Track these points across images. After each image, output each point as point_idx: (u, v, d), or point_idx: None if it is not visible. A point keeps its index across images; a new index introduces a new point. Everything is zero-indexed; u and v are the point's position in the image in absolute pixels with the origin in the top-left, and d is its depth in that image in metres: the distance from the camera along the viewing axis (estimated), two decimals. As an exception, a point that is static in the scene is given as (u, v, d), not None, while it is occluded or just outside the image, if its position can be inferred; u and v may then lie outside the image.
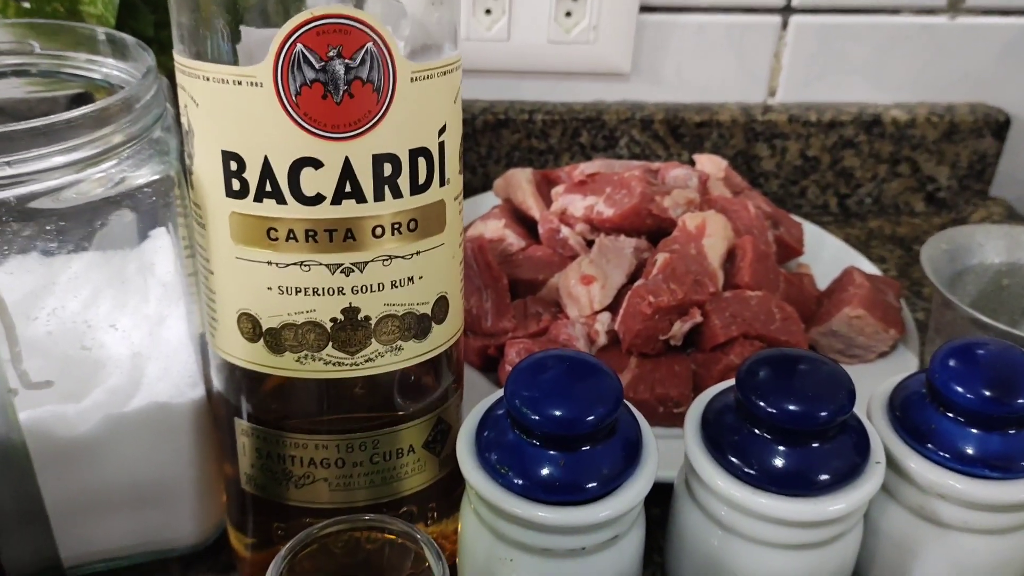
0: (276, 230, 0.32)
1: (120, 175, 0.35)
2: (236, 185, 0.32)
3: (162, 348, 0.39)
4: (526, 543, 0.34)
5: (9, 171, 0.32)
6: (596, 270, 0.53)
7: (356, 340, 0.34)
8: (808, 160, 0.77)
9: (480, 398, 0.38)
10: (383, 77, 0.31)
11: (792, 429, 0.35)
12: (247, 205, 0.32)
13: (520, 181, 0.62)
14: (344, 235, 0.32)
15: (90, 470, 0.39)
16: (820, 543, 0.36)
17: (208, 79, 0.31)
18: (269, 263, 0.33)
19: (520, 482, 0.33)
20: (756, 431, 0.35)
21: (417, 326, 0.35)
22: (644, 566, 0.38)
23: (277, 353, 0.34)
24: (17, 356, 0.36)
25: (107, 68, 0.39)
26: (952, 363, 0.36)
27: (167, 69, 0.43)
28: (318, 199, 0.32)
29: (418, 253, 0.34)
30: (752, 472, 0.35)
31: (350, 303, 0.34)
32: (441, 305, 0.36)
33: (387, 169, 0.32)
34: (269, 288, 0.33)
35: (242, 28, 0.31)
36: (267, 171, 0.31)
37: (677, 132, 0.75)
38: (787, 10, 0.73)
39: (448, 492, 0.40)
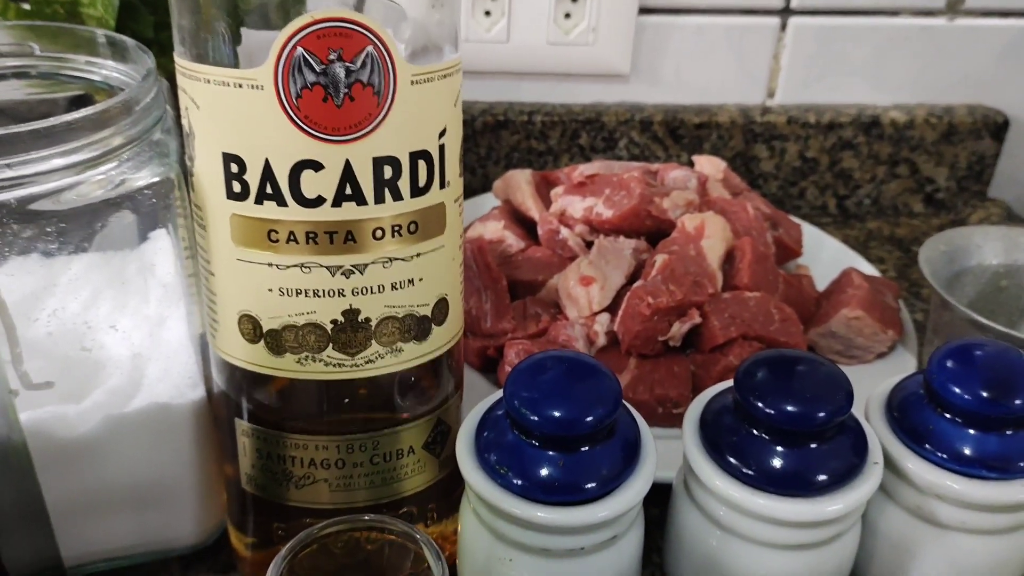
0: (277, 232, 0.32)
1: (120, 177, 0.35)
2: (237, 187, 0.32)
3: (162, 349, 0.39)
4: (525, 543, 0.34)
5: (9, 173, 0.32)
6: (595, 271, 0.53)
7: (356, 342, 0.34)
8: (807, 161, 0.78)
9: (480, 399, 0.38)
10: (383, 80, 0.31)
11: (790, 430, 0.35)
12: (248, 207, 0.32)
13: (519, 182, 0.62)
14: (344, 237, 0.32)
15: (91, 470, 0.39)
16: (818, 543, 0.36)
17: (209, 82, 0.31)
18: (270, 265, 0.33)
19: (519, 482, 0.33)
20: (754, 432, 0.35)
21: (417, 328, 0.35)
22: (643, 566, 0.39)
23: (277, 354, 0.35)
24: (18, 357, 0.36)
25: (107, 70, 0.39)
26: (950, 364, 0.37)
27: (167, 71, 0.43)
28: (319, 201, 0.32)
29: (418, 255, 0.34)
30: (750, 473, 0.35)
31: (350, 305, 0.34)
32: (441, 307, 0.36)
33: (387, 172, 0.32)
34: (270, 290, 0.33)
35: (243, 31, 0.31)
36: (268, 173, 0.32)
37: (676, 133, 0.76)
38: (786, 12, 0.73)
39: (448, 493, 0.40)
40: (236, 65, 0.31)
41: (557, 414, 0.33)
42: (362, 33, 0.30)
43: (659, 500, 0.41)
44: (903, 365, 0.54)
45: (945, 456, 0.36)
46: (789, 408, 0.34)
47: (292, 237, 0.32)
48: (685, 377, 0.50)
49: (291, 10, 0.30)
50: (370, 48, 0.30)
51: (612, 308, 0.53)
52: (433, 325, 0.36)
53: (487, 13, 0.70)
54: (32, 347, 0.36)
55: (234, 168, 0.32)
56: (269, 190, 0.32)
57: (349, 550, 0.33)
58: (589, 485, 0.33)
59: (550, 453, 0.33)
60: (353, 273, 0.33)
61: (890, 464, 0.37)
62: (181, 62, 0.33)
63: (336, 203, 0.32)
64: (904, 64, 0.76)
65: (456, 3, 0.34)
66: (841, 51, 0.75)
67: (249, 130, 0.31)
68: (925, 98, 0.78)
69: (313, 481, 0.37)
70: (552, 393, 0.33)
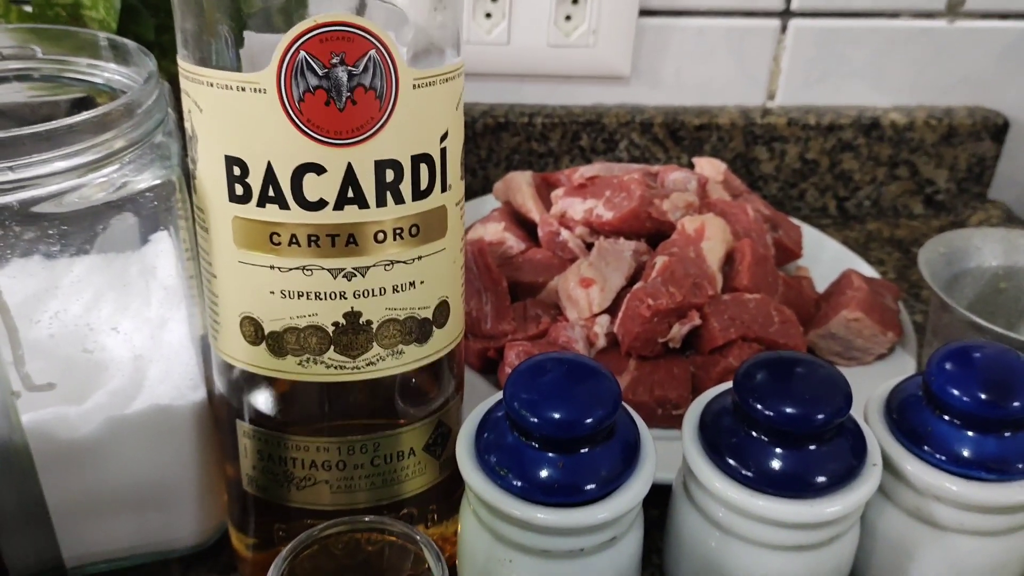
0: (279, 235, 0.33)
1: (122, 180, 0.35)
2: (239, 190, 0.32)
3: (163, 351, 0.39)
4: (525, 544, 0.34)
5: (12, 176, 0.32)
6: (595, 273, 0.53)
7: (358, 344, 0.34)
8: (807, 163, 0.78)
9: (480, 400, 0.38)
10: (386, 84, 0.31)
11: (789, 431, 0.35)
12: (250, 210, 0.33)
13: (520, 184, 0.62)
14: (346, 240, 0.33)
15: (92, 471, 0.39)
16: (817, 545, 0.36)
17: (212, 85, 0.31)
18: (271, 267, 0.33)
19: (519, 484, 0.33)
20: (753, 433, 0.35)
21: (418, 330, 0.36)
22: (643, 567, 0.39)
23: (279, 356, 0.35)
24: (20, 359, 0.36)
25: (109, 73, 0.39)
26: (948, 366, 0.37)
27: (168, 73, 0.43)
28: (321, 204, 0.32)
29: (420, 258, 0.34)
30: (749, 474, 0.35)
31: (352, 307, 0.34)
32: (442, 309, 0.36)
33: (389, 175, 0.32)
34: (271, 292, 0.34)
35: (246, 34, 0.31)
36: (270, 176, 0.32)
37: (676, 135, 0.76)
38: (786, 14, 0.73)
39: (448, 494, 0.40)
40: (239, 69, 0.32)
41: (557, 416, 0.33)
42: (364, 37, 0.30)
43: (659, 501, 0.41)
44: (902, 367, 0.54)
45: (944, 458, 0.36)
46: (788, 410, 0.34)
47: (294, 240, 0.33)
48: (685, 379, 0.50)
49: (294, 14, 0.30)
50: (372, 52, 0.30)
51: (612, 310, 0.53)
52: (434, 327, 0.36)
53: (488, 15, 0.70)
54: (34, 349, 0.36)
55: (236, 171, 0.32)
56: (271, 193, 0.32)
57: (350, 551, 0.33)
58: (589, 486, 0.33)
59: (550, 454, 0.33)
60: (355, 276, 0.33)
61: (889, 466, 0.37)
62: (184, 65, 0.33)
63: (338, 206, 0.32)
64: (904, 66, 0.76)
65: (458, 7, 0.34)
66: (841, 53, 0.75)
67: (252, 133, 0.31)
68: (925, 100, 0.78)
69: (314, 482, 0.38)
70: (552, 395, 0.34)
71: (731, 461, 0.35)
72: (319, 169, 0.31)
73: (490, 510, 0.34)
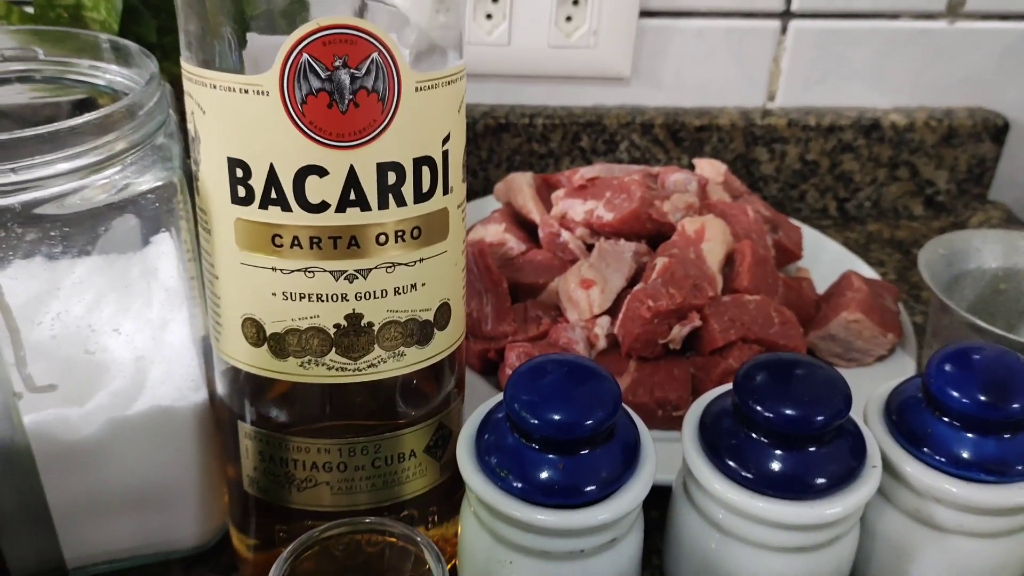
0: (281, 237, 0.33)
1: (124, 181, 0.35)
2: (242, 192, 0.32)
3: (165, 352, 0.39)
4: (525, 546, 0.34)
5: (14, 177, 0.32)
6: (596, 274, 0.53)
7: (359, 346, 0.35)
8: (807, 164, 0.78)
9: (480, 401, 0.38)
10: (388, 87, 0.31)
11: (789, 433, 0.35)
12: (252, 212, 0.33)
13: (521, 185, 0.62)
14: (348, 242, 0.33)
15: (93, 473, 0.39)
16: (817, 546, 0.36)
17: (215, 87, 0.31)
18: (273, 269, 0.33)
19: (519, 485, 0.33)
20: (753, 435, 0.36)
21: (419, 332, 0.36)
22: (643, 568, 0.39)
23: (280, 358, 0.35)
24: (22, 360, 0.36)
25: (110, 74, 0.39)
26: (948, 368, 0.37)
27: (170, 75, 0.43)
28: (323, 207, 0.32)
29: (421, 260, 0.34)
30: (749, 476, 0.35)
31: (353, 309, 0.34)
32: (443, 311, 0.36)
33: (391, 177, 0.32)
34: (273, 294, 0.34)
35: (248, 36, 0.31)
36: (272, 178, 0.32)
37: (677, 136, 0.76)
38: (786, 15, 0.74)
39: (449, 495, 0.40)
40: (242, 71, 0.32)
41: (557, 417, 0.33)
42: (367, 40, 0.30)
43: (659, 503, 0.42)
44: (902, 368, 0.54)
45: (943, 459, 0.36)
46: (788, 411, 0.35)
47: (296, 242, 0.33)
48: (685, 380, 0.50)
49: (297, 17, 0.30)
50: (375, 55, 0.30)
51: (612, 311, 0.53)
52: (435, 330, 0.36)
53: (488, 16, 0.71)
54: (36, 350, 0.36)
55: (239, 173, 0.32)
56: (274, 195, 0.32)
57: (350, 552, 0.33)
58: (589, 488, 0.33)
59: (550, 456, 0.33)
60: (356, 278, 0.33)
61: (888, 467, 0.37)
62: (187, 67, 0.33)
63: (340, 208, 0.32)
64: (904, 67, 0.76)
65: (460, 9, 0.34)
66: (841, 54, 0.75)
67: (254, 135, 0.31)
68: (925, 101, 0.78)
69: (315, 484, 0.38)
70: (552, 396, 0.34)
71: (731, 463, 0.35)
72: (321, 171, 0.32)
73: (490, 511, 0.34)
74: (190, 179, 0.35)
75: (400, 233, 0.33)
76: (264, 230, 0.33)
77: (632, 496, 0.34)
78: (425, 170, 0.33)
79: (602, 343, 0.52)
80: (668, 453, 0.40)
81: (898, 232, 0.78)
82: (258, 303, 0.34)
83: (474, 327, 0.54)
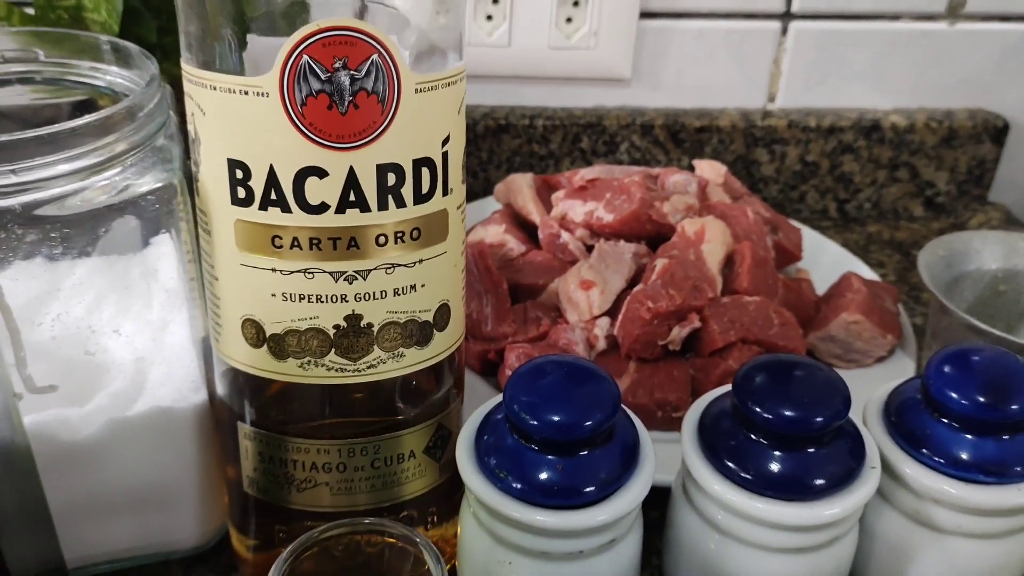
0: (280, 238, 0.33)
1: (124, 183, 0.35)
2: (241, 193, 0.33)
3: (165, 353, 0.39)
4: (524, 546, 0.34)
5: (14, 179, 0.32)
6: (596, 275, 0.53)
7: (359, 347, 0.35)
8: (807, 165, 0.78)
9: (480, 402, 0.38)
10: (388, 88, 0.31)
11: (788, 434, 0.35)
12: (252, 213, 0.33)
13: (521, 186, 0.62)
14: (348, 243, 0.33)
15: (93, 473, 0.39)
16: (816, 547, 0.36)
17: (215, 88, 0.31)
18: (273, 270, 0.33)
19: (519, 486, 0.33)
20: (752, 436, 0.36)
21: (419, 333, 0.36)
22: (642, 569, 0.39)
23: (280, 359, 0.35)
24: (22, 361, 0.36)
25: (111, 76, 0.40)
26: (947, 369, 0.37)
27: (171, 76, 0.44)
28: (322, 208, 0.32)
29: (420, 261, 0.34)
30: (748, 477, 0.35)
31: (353, 310, 0.34)
32: (443, 313, 0.36)
33: (391, 179, 0.32)
34: (273, 295, 0.34)
35: (249, 37, 0.31)
36: (272, 180, 0.32)
37: (677, 137, 0.76)
38: (787, 16, 0.74)
39: (448, 496, 0.41)
40: (242, 72, 0.32)
41: (556, 418, 0.33)
42: (367, 42, 0.30)
43: (658, 503, 0.42)
44: (902, 369, 0.54)
45: (942, 461, 0.36)
46: (787, 413, 0.35)
47: (296, 243, 0.33)
48: (684, 381, 0.51)
49: (297, 18, 0.30)
50: (375, 56, 0.30)
51: (612, 312, 0.53)
52: (435, 331, 0.36)
53: (489, 17, 0.71)
54: (36, 351, 0.36)
55: (239, 174, 0.32)
56: (273, 196, 0.32)
57: (350, 553, 0.34)
58: (588, 489, 0.33)
59: (549, 457, 0.33)
60: (356, 279, 0.33)
61: (887, 468, 0.37)
62: (187, 69, 0.33)
63: (340, 210, 0.32)
64: (904, 68, 0.76)
65: (461, 10, 0.34)
66: (842, 55, 0.75)
67: (254, 137, 0.32)
68: (925, 102, 0.78)
69: (314, 485, 0.38)
70: (551, 397, 0.34)
71: (730, 463, 0.35)
72: (321, 173, 0.32)
73: (490, 512, 0.34)
74: (190, 180, 0.35)
75: (400, 234, 0.33)
76: (264, 231, 0.33)
77: (631, 497, 0.34)
78: (425, 171, 0.33)
79: (602, 344, 0.52)
80: (667, 454, 0.40)
81: (898, 233, 0.78)
82: (258, 304, 0.34)
83: (474, 328, 0.54)
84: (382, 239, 0.33)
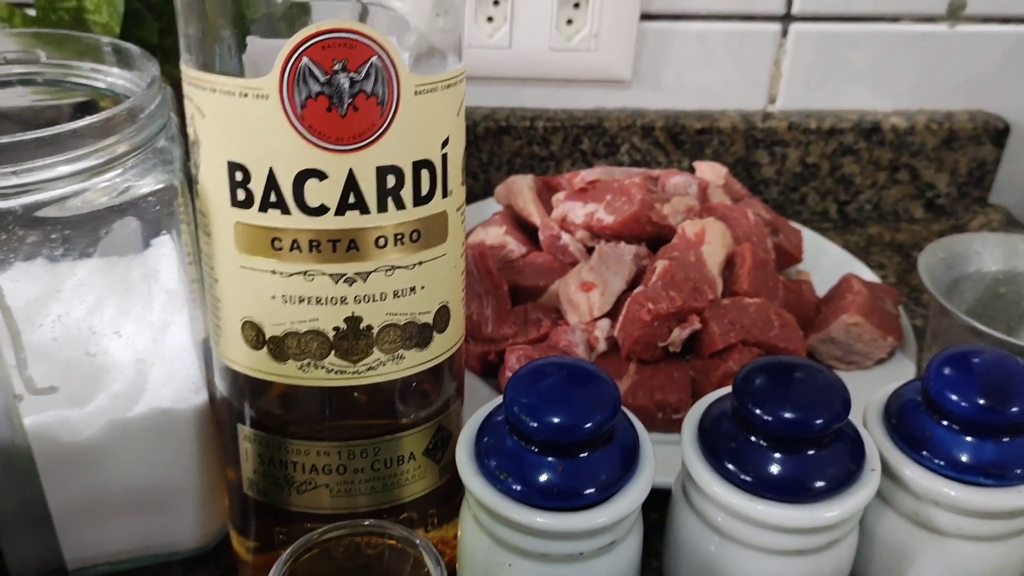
0: (280, 240, 0.33)
1: (125, 184, 0.35)
2: (241, 195, 0.33)
3: (165, 354, 0.39)
4: (524, 548, 0.34)
5: (15, 180, 0.33)
6: (596, 277, 0.53)
7: (358, 349, 0.35)
8: (808, 167, 0.78)
9: (480, 403, 0.38)
10: (387, 91, 0.31)
11: (788, 436, 0.35)
12: (252, 215, 0.33)
13: (521, 188, 0.62)
14: (347, 245, 0.33)
15: (94, 474, 0.39)
16: (816, 549, 0.36)
17: (215, 91, 0.31)
18: (273, 272, 0.33)
19: (518, 488, 0.33)
20: (752, 438, 0.36)
21: (419, 335, 0.36)
22: (642, 571, 0.39)
23: (280, 361, 0.35)
24: (22, 362, 0.37)
25: (112, 77, 0.40)
26: (947, 371, 0.37)
27: (172, 77, 0.43)
28: (322, 210, 0.32)
29: (420, 263, 0.34)
30: (748, 479, 0.35)
31: (352, 312, 0.34)
32: (443, 314, 0.36)
33: (390, 181, 0.32)
34: (273, 297, 0.34)
35: (248, 40, 0.31)
36: (272, 182, 0.32)
37: (677, 139, 0.76)
38: (787, 18, 0.74)
39: (448, 498, 0.41)
40: (242, 74, 0.32)
41: (556, 420, 0.33)
42: (366, 44, 0.30)
43: (658, 505, 0.42)
44: (902, 371, 0.54)
45: (942, 463, 0.36)
46: (787, 415, 0.35)
47: (295, 245, 0.33)
48: (685, 383, 0.51)
49: (296, 20, 0.30)
50: (374, 59, 0.30)
51: (612, 314, 0.53)
52: (434, 332, 0.36)
53: (489, 19, 0.71)
54: (37, 352, 0.36)
55: (239, 176, 0.32)
56: (273, 198, 0.32)
57: (350, 555, 0.33)
58: (588, 491, 0.33)
59: (549, 459, 0.33)
60: (355, 281, 0.34)
61: (887, 471, 0.37)
62: (187, 71, 0.33)
63: (339, 212, 0.32)
64: (905, 70, 0.76)
65: (460, 13, 0.34)
66: (842, 57, 0.75)
67: (254, 139, 0.32)
68: (926, 104, 0.78)
69: (314, 486, 0.38)
70: (551, 399, 0.34)
71: (730, 465, 0.35)
72: (321, 175, 0.32)
73: (490, 514, 0.34)
74: (191, 182, 0.36)
75: (399, 236, 0.33)
76: (263, 233, 0.33)
77: (631, 499, 0.34)
78: (424, 173, 0.33)
79: (602, 346, 0.52)
80: (667, 456, 0.40)
81: (898, 235, 0.78)
82: (258, 306, 0.34)
83: (474, 329, 0.54)
84: (382, 241, 0.33)
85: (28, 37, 0.40)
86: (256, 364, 0.35)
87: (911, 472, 0.37)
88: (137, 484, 0.40)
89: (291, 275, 0.33)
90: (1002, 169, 0.80)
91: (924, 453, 0.36)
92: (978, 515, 0.36)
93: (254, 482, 0.39)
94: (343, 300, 0.34)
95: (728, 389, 0.38)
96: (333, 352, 0.34)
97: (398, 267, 0.34)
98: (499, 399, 0.37)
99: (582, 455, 0.34)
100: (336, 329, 0.34)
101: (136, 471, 0.40)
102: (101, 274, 0.37)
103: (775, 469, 0.35)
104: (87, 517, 0.40)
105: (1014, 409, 0.35)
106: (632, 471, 0.35)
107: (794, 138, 0.76)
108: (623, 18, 0.71)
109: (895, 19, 0.74)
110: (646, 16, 0.72)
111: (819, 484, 0.35)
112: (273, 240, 0.33)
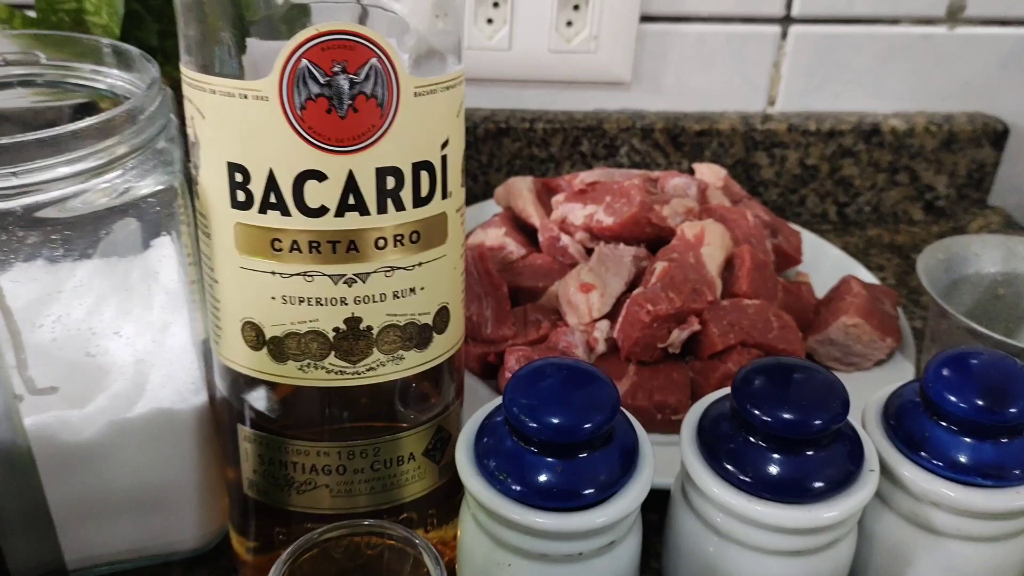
0: (280, 241, 0.33)
1: (125, 185, 0.35)
2: (241, 196, 0.33)
3: (165, 355, 0.39)
4: (524, 548, 0.34)
5: (15, 181, 0.33)
6: (595, 278, 0.53)
7: (358, 350, 0.35)
8: (807, 169, 0.78)
9: (480, 404, 0.38)
10: (387, 92, 0.31)
11: (787, 437, 0.35)
12: (252, 216, 0.33)
13: (521, 189, 0.62)
14: (347, 247, 0.33)
15: (94, 475, 0.39)
16: (814, 550, 0.36)
17: (215, 92, 0.32)
18: (273, 273, 0.33)
19: (518, 488, 0.33)
20: (751, 439, 0.36)
21: (418, 336, 0.36)
22: (641, 571, 0.39)
23: (280, 361, 0.35)
24: (23, 362, 0.37)
25: (112, 79, 0.40)
26: (945, 372, 0.37)
27: (171, 79, 0.44)
28: (322, 211, 0.32)
29: (420, 264, 0.34)
30: (747, 479, 0.35)
31: (352, 313, 0.34)
32: (442, 315, 0.36)
33: (390, 182, 0.33)
34: (273, 298, 0.34)
35: (248, 41, 0.31)
36: (272, 183, 0.32)
37: (677, 141, 0.76)
38: (787, 20, 0.74)
39: (448, 498, 0.41)
40: (241, 76, 0.32)
41: (555, 421, 0.33)
42: (366, 46, 0.30)
43: (657, 506, 0.42)
44: (901, 372, 0.54)
45: (941, 464, 0.36)
46: (786, 415, 0.35)
47: (295, 246, 0.33)
48: (684, 384, 0.51)
49: (296, 22, 0.30)
50: (374, 60, 0.31)
51: (612, 315, 0.53)
52: (434, 333, 0.36)
53: (489, 21, 0.71)
54: (37, 352, 0.37)
55: (238, 178, 0.32)
56: (273, 200, 0.32)
57: (349, 555, 0.34)
58: (587, 491, 0.33)
59: (548, 459, 0.34)
60: (355, 282, 0.34)
61: (886, 471, 0.37)
62: (187, 72, 0.33)
63: (339, 213, 0.32)
64: (904, 72, 0.77)
65: (460, 14, 0.34)
66: (841, 59, 0.76)
67: (254, 140, 0.32)
68: (925, 106, 0.78)
69: (314, 487, 0.38)
70: (550, 400, 0.34)
71: (729, 466, 0.35)
72: (320, 176, 0.32)
73: (489, 514, 0.34)
74: (191, 183, 0.36)
75: (399, 237, 0.34)
76: (263, 234, 0.33)
77: (630, 499, 0.34)
78: (424, 175, 0.33)
79: (601, 347, 0.52)
80: (667, 456, 0.40)
81: (897, 237, 0.78)
82: (257, 307, 0.34)
83: (474, 330, 0.54)
84: (381, 242, 0.33)
85: (28, 38, 0.40)
86: (256, 365, 0.35)
87: (910, 473, 0.37)
88: (137, 484, 0.40)
89: (291, 276, 0.33)
90: (1001, 171, 0.80)
91: (923, 454, 0.37)
92: (976, 516, 0.36)
93: (254, 482, 0.39)
94: (343, 301, 0.34)
95: (727, 390, 0.38)
96: (333, 353, 0.35)
97: (398, 268, 0.34)
98: (498, 400, 0.37)
99: (581, 456, 0.34)
100: (336, 330, 0.34)
101: (136, 471, 0.40)
102: (101, 275, 0.37)
103: (774, 470, 0.35)
104: (87, 517, 0.40)
105: (1012, 410, 0.35)
106: (631, 472, 0.35)
107: (793, 140, 0.76)
108: (623, 20, 0.71)
109: (894, 21, 0.74)
110: (646, 18, 0.72)
111: (818, 485, 0.35)
112: (273, 241, 0.33)
